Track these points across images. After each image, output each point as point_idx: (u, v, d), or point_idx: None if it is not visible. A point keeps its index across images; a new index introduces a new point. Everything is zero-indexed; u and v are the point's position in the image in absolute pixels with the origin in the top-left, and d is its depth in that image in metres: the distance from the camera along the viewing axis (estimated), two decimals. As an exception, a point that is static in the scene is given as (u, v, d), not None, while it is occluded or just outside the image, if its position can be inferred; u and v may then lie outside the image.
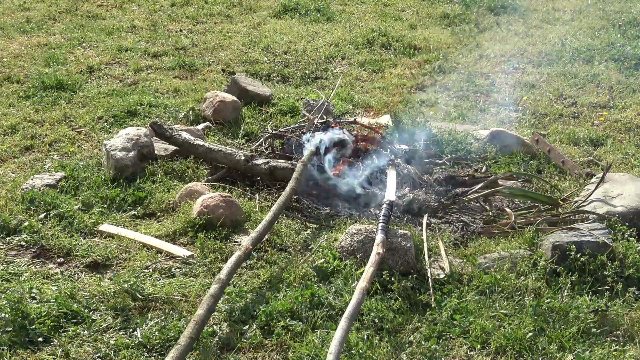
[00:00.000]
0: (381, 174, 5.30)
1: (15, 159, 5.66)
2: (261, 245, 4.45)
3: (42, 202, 4.80)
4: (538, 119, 6.82)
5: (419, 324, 3.79)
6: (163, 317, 3.79)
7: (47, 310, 3.74)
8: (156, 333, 3.63)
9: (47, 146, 5.92)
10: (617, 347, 3.65)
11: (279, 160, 5.34)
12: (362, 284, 3.73)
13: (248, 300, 3.94)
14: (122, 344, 3.58)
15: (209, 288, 3.80)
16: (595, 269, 4.08)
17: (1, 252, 4.34)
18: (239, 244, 4.42)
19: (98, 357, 3.53)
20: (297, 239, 4.60)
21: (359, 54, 8.75)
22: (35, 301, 3.84)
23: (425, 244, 4.32)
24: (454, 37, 9.44)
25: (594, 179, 5.06)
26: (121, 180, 5.17)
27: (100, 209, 4.87)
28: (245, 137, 6.20)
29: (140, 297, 3.91)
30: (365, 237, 4.27)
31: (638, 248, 4.25)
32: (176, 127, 5.80)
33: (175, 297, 3.95)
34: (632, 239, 4.32)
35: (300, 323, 3.74)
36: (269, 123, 6.44)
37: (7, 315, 3.64)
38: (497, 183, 5.19)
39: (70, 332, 3.65)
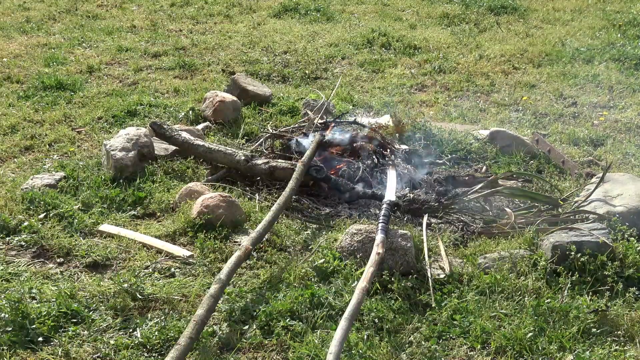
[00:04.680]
0: (381, 174, 5.31)
1: (15, 159, 5.66)
2: (261, 245, 4.45)
3: (42, 202, 4.80)
4: (538, 119, 6.82)
5: (419, 324, 3.79)
6: (163, 317, 3.79)
7: (47, 310, 3.73)
8: (156, 333, 3.63)
9: (47, 146, 5.92)
10: (618, 347, 3.65)
11: (279, 160, 5.34)
12: (362, 284, 3.72)
13: (248, 300, 3.94)
14: (122, 344, 3.58)
15: (208, 288, 3.80)
16: (595, 269, 4.08)
17: (1, 252, 4.34)
18: (239, 244, 4.41)
19: (98, 357, 3.53)
20: (297, 239, 4.60)
21: (359, 54, 8.75)
22: (35, 301, 3.84)
23: (425, 244, 4.32)
24: (454, 37, 9.45)
25: (594, 179, 5.05)
26: (121, 180, 5.17)
27: (100, 209, 4.87)
28: (245, 137, 6.20)
29: (140, 297, 3.91)
30: (365, 237, 4.27)
31: (638, 248, 4.24)
32: (176, 127, 5.80)
33: (175, 297, 3.95)
34: (632, 239, 4.32)
35: (300, 323, 3.74)
36: (269, 123, 6.45)
37: (7, 315, 3.64)
38: (497, 183, 5.19)
39: (70, 332, 3.65)
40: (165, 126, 5.69)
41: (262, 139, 5.99)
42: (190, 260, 4.33)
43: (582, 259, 4.07)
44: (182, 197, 4.92)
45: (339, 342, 3.33)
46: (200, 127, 6.23)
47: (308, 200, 5.13)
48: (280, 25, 9.97)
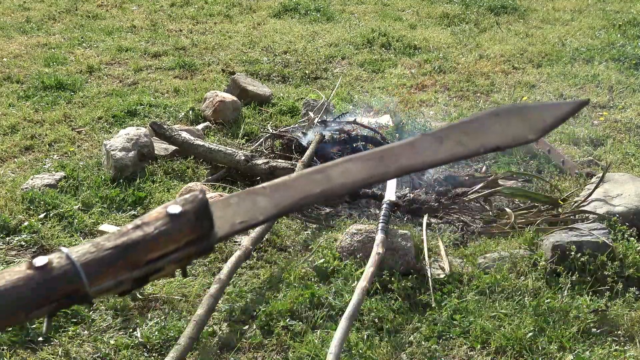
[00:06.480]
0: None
1: (15, 159, 5.66)
2: (261, 245, 4.45)
3: (42, 202, 4.80)
4: (538, 119, 6.80)
5: (419, 324, 3.79)
6: (163, 317, 3.79)
7: (47, 310, 3.73)
8: (156, 333, 3.63)
9: (47, 146, 5.92)
10: (618, 347, 3.65)
11: (279, 160, 5.35)
12: (362, 283, 3.72)
13: (248, 300, 3.94)
14: (122, 344, 3.58)
15: (209, 288, 3.80)
16: (595, 269, 4.07)
17: (1, 252, 4.34)
18: (239, 244, 4.42)
19: (98, 357, 3.53)
20: (297, 239, 4.60)
21: (359, 54, 8.75)
22: (35, 301, 3.84)
23: (425, 244, 4.32)
24: (454, 37, 9.44)
25: (594, 179, 5.05)
26: (121, 180, 5.17)
27: (100, 209, 4.87)
28: (245, 137, 6.20)
29: (140, 297, 3.91)
30: (365, 237, 4.26)
31: (638, 248, 4.24)
32: (176, 127, 5.80)
33: (175, 297, 3.95)
34: (632, 239, 4.32)
35: (300, 323, 3.74)
36: (269, 123, 6.44)
37: (7, 315, 3.64)
38: (497, 183, 5.19)
39: (70, 332, 3.65)
40: (165, 126, 5.69)
41: (262, 139, 5.99)
42: (190, 260, 4.32)
43: (582, 259, 4.07)
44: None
45: (339, 342, 3.33)
46: (200, 127, 6.23)
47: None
48: (280, 25, 9.96)
